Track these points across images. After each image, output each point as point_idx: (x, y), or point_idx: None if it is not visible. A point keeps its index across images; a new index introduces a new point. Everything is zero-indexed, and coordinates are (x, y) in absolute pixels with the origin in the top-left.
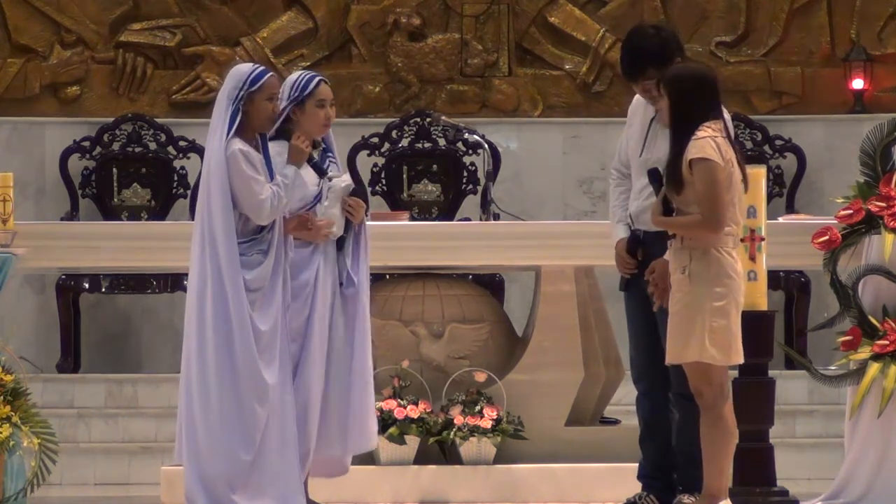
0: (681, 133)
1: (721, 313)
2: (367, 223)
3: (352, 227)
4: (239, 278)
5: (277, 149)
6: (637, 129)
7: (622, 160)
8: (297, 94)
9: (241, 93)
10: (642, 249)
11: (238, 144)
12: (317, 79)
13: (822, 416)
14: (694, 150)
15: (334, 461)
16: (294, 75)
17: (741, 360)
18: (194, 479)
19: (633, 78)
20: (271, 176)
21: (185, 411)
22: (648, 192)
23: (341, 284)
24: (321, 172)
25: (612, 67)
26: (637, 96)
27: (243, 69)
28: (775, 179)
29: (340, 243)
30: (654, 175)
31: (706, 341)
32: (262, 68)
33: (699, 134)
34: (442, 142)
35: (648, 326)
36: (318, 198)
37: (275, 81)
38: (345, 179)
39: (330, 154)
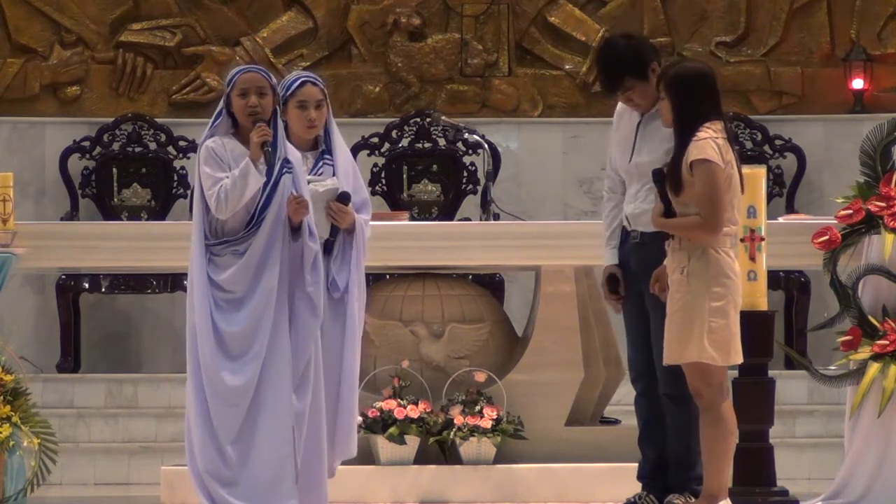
0: (683, 133)
1: (720, 313)
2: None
3: (340, 231)
4: (203, 276)
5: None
6: (624, 134)
7: (614, 167)
8: (282, 94)
9: (225, 96)
10: (638, 256)
11: (209, 142)
12: (301, 80)
13: (822, 416)
14: (695, 151)
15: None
16: (287, 76)
17: (740, 360)
18: (191, 474)
19: (612, 90)
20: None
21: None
22: (643, 196)
23: (328, 288)
24: (268, 162)
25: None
26: (619, 106)
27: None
28: (775, 179)
29: (329, 248)
30: (657, 175)
31: (705, 342)
32: (241, 68)
33: (700, 135)
34: (442, 142)
35: (645, 327)
36: (263, 197)
37: (249, 76)
38: (326, 184)
39: (327, 156)
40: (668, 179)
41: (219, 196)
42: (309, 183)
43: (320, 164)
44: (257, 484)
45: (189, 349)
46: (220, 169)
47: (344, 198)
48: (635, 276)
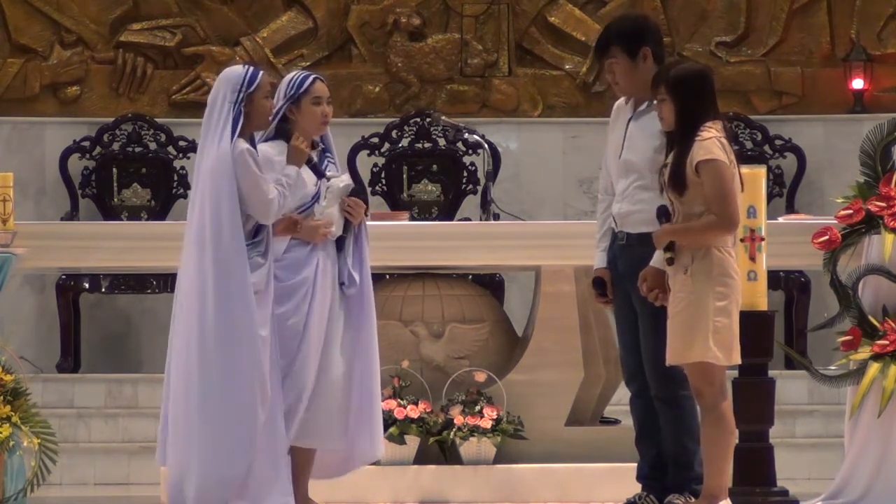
0: (686, 134)
1: (724, 313)
2: (367, 223)
3: (351, 227)
4: (248, 282)
5: (278, 149)
6: (616, 133)
7: (607, 167)
8: (292, 93)
9: (241, 94)
10: (625, 257)
11: (244, 144)
12: (312, 77)
13: (822, 416)
14: (702, 151)
15: (335, 462)
16: (290, 74)
17: (739, 361)
18: (193, 483)
19: (599, 54)
20: None
21: (182, 414)
22: (631, 194)
23: (342, 284)
24: (319, 174)
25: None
26: (616, 105)
27: (237, 71)
28: (775, 179)
29: (340, 243)
30: (662, 211)
31: (710, 341)
32: (254, 68)
33: (704, 135)
34: (442, 142)
35: (635, 328)
36: (315, 198)
37: (268, 79)
38: (343, 179)
39: (329, 154)
40: (671, 180)
41: (279, 202)
42: (329, 179)
43: (325, 161)
44: (260, 483)
45: (224, 355)
46: (264, 172)
47: (356, 192)
48: (623, 277)
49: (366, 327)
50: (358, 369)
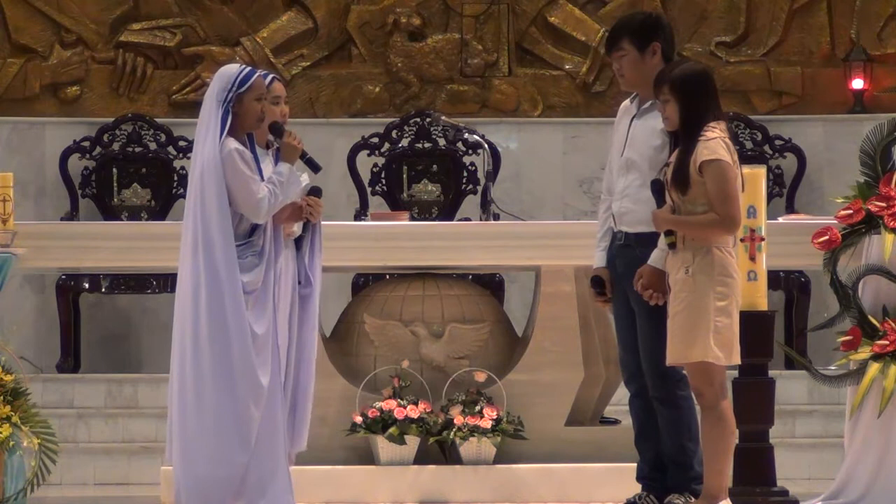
0: (690, 134)
1: (724, 312)
2: (364, 223)
3: (308, 226)
4: (237, 281)
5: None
6: (620, 132)
7: (610, 167)
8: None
9: (230, 94)
10: (624, 257)
11: (233, 144)
12: (271, 76)
13: (822, 416)
14: (706, 151)
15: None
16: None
17: (739, 361)
18: (187, 483)
19: (609, 48)
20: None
21: (177, 413)
22: (632, 192)
23: (298, 284)
24: (315, 167)
25: (612, 67)
26: (621, 105)
27: (231, 70)
28: (775, 179)
29: (298, 243)
30: (656, 186)
31: (711, 341)
32: (249, 69)
33: (708, 134)
34: (442, 142)
35: (634, 328)
36: None
37: (262, 81)
38: (304, 179)
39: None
40: (674, 180)
41: (270, 202)
42: None
43: (279, 159)
44: (259, 482)
45: (210, 353)
46: (254, 171)
47: (316, 192)
48: (621, 277)
49: (307, 326)
50: (308, 365)
